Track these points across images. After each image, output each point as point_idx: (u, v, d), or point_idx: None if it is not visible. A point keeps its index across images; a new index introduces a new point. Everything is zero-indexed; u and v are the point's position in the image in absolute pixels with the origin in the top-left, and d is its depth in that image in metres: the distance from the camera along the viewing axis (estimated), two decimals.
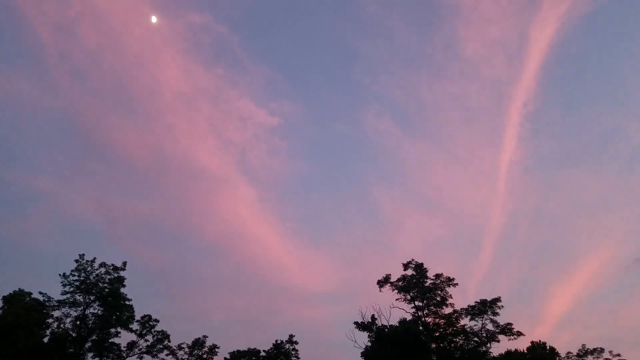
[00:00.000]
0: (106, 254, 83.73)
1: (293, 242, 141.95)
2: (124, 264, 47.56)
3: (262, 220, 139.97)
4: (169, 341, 52.07)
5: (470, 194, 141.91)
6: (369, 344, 48.34)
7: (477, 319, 46.67)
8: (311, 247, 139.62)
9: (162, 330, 52.16)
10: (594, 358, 50.07)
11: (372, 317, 49.46)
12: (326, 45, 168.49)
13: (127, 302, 47.43)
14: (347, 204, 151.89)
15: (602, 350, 50.25)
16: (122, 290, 47.21)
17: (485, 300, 47.11)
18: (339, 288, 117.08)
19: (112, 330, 47.69)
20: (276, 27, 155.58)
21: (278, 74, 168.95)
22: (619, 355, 49.70)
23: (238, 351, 55.29)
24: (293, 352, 55.36)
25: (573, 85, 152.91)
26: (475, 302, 47.67)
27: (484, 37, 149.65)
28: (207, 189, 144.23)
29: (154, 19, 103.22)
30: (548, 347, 51.62)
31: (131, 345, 51.10)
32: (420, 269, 49.49)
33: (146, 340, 51.83)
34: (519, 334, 46.18)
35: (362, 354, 47.45)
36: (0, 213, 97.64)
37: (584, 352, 50.53)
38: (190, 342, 52.81)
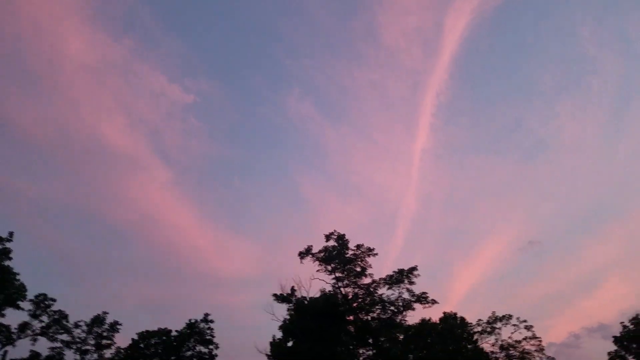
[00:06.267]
0: None
1: (211, 227, 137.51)
2: (11, 234, 41.87)
3: (178, 204, 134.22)
4: (67, 321, 47.38)
5: (387, 180, 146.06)
6: (288, 317, 46.87)
7: (394, 287, 46.77)
8: (231, 232, 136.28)
9: (59, 310, 47.26)
10: (502, 324, 52.83)
11: (292, 288, 47.99)
12: (246, 23, 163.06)
13: (15, 277, 41.95)
14: (268, 189, 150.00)
15: (510, 317, 53.18)
16: (9, 263, 41.65)
17: (403, 269, 47.35)
18: (260, 272, 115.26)
19: None
20: (192, 1, 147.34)
21: (193, 49, 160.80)
22: (525, 321, 52.65)
23: (147, 331, 51.48)
24: (208, 332, 52.55)
25: (482, 77, 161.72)
26: (393, 271, 47.83)
27: (403, 26, 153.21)
28: (117, 170, 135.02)
29: None
30: (458, 318, 53.93)
31: (23, 326, 45.90)
32: (342, 240, 48.70)
33: (41, 322, 46.87)
34: (434, 302, 47.00)
35: (281, 327, 45.85)
36: None
37: (493, 319, 53.14)
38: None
